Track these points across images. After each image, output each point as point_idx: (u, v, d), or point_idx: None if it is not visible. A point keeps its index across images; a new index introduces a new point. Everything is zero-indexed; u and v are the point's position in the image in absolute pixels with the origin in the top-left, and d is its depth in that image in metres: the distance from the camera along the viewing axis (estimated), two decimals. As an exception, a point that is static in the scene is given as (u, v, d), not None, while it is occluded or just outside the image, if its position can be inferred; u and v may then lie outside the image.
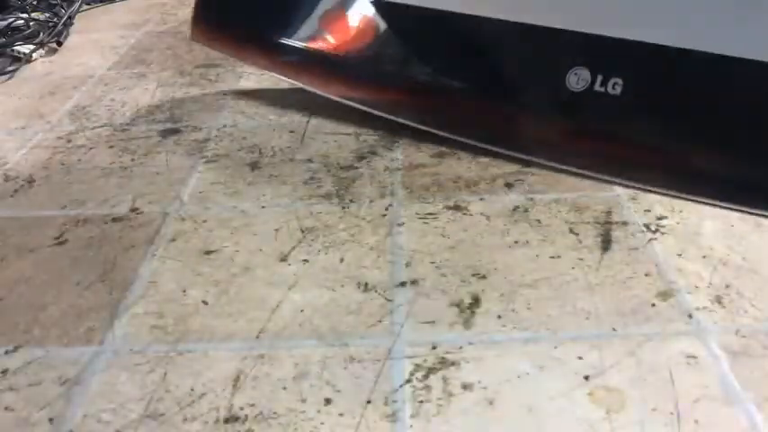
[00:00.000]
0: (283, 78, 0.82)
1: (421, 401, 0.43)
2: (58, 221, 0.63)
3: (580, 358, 0.46)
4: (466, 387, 0.44)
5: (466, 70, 0.73)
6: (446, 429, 0.42)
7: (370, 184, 0.68)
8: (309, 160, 0.73)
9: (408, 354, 0.47)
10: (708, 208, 0.62)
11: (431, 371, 0.46)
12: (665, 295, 0.52)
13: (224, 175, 0.70)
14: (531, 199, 0.64)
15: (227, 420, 0.43)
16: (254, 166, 0.72)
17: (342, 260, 0.57)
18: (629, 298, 0.52)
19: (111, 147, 0.77)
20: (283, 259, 0.57)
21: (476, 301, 0.52)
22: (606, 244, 0.58)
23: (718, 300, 0.51)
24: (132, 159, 0.74)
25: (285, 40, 0.81)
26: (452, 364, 0.46)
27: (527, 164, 0.70)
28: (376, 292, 0.53)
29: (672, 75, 0.64)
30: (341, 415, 0.43)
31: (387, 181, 0.68)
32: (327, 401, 0.44)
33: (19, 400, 0.44)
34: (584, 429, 0.41)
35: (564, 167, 0.68)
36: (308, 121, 0.81)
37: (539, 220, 0.61)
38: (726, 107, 0.63)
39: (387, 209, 0.64)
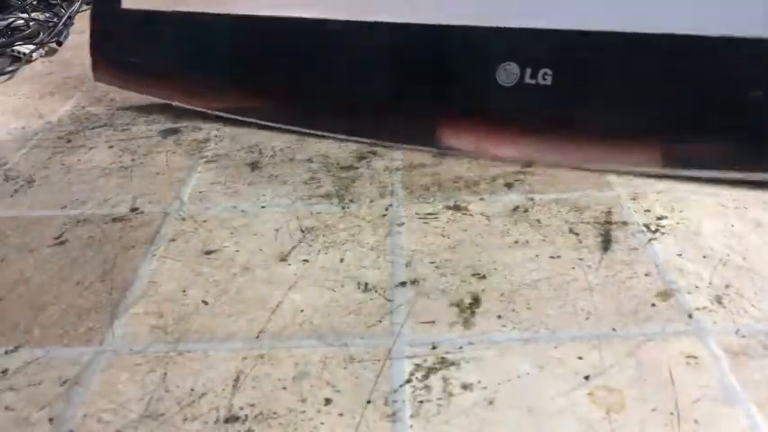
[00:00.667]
0: (197, 109, 0.84)
1: (421, 401, 0.43)
2: (58, 221, 0.63)
3: (580, 358, 0.46)
4: (466, 387, 0.44)
5: (400, 79, 0.74)
6: (446, 429, 0.42)
7: (370, 184, 0.68)
8: (309, 160, 0.73)
9: (408, 354, 0.47)
10: (708, 207, 0.62)
11: (431, 371, 0.46)
12: (665, 295, 0.52)
13: (224, 175, 0.70)
14: (531, 199, 0.64)
15: (227, 420, 0.43)
16: (254, 166, 0.72)
17: (342, 260, 0.57)
18: (629, 298, 0.52)
19: (110, 147, 0.77)
20: (283, 259, 0.57)
21: (476, 301, 0.52)
22: (606, 244, 0.58)
23: (719, 300, 0.51)
24: (132, 159, 0.74)
25: (188, 71, 0.83)
26: (452, 364, 0.46)
27: (527, 164, 0.70)
28: (376, 292, 0.53)
29: (598, 58, 0.66)
30: (341, 415, 0.43)
31: (387, 181, 0.68)
32: (327, 401, 0.44)
33: (19, 400, 0.44)
34: (584, 429, 0.41)
35: (508, 159, 0.70)
36: (308, 121, 0.81)
37: (539, 220, 0.61)
38: (655, 81, 0.66)
39: (387, 209, 0.64)
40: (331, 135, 0.77)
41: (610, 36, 0.64)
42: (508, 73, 0.68)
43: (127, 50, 0.85)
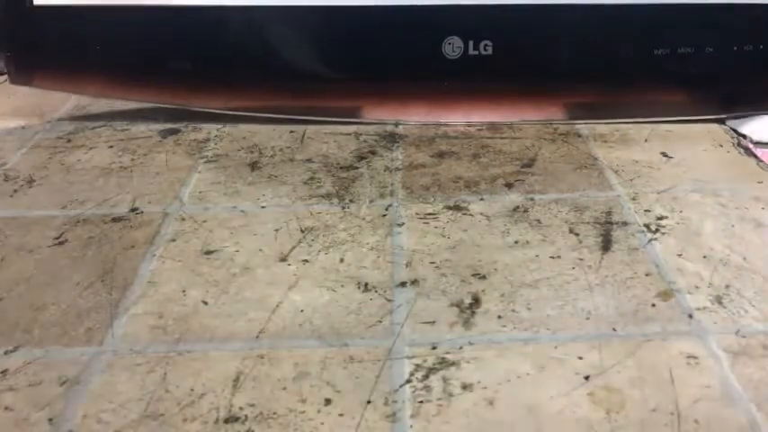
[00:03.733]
0: (133, 100, 0.84)
1: (421, 401, 0.43)
2: (57, 221, 0.63)
3: (580, 358, 0.46)
4: (466, 387, 0.44)
5: (358, 61, 0.80)
6: (446, 429, 0.42)
7: (370, 184, 0.68)
8: (309, 160, 0.73)
9: (408, 354, 0.47)
10: (709, 207, 0.62)
11: (431, 371, 0.46)
12: (665, 295, 0.52)
13: (224, 175, 0.70)
14: (532, 199, 0.64)
15: (227, 420, 0.43)
16: (253, 166, 0.72)
17: (342, 260, 0.57)
18: (630, 298, 0.52)
19: (111, 147, 0.77)
20: (283, 259, 0.57)
21: (476, 301, 0.52)
22: (606, 244, 0.58)
23: (719, 300, 0.51)
24: (132, 159, 0.74)
25: (112, 64, 0.82)
26: (452, 364, 0.46)
27: (527, 164, 0.70)
28: (376, 292, 0.53)
29: (530, 27, 0.76)
30: (341, 415, 0.43)
31: (387, 181, 0.68)
32: (327, 401, 0.44)
33: (18, 400, 0.44)
34: (584, 429, 0.41)
35: (471, 121, 0.79)
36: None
37: (539, 221, 0.61)
38: (581, 44, 0.78)
39: (387, 209, 0.64)
40: (279, 116, 0.81)
41: (540, 8, 0.74)
42: (453, 47, 0.76)
43: (43, 49, 0.83)
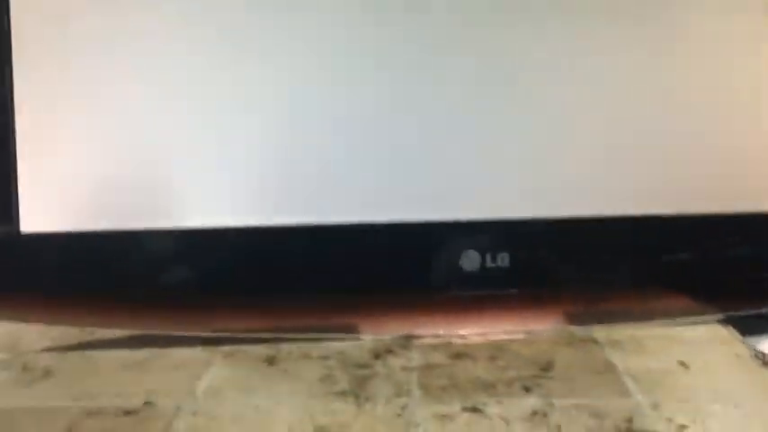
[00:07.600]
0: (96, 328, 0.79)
1: None
2: (69, 413, 0.62)
3: None
4: None
5: (374, 276, 0.80)
6: None
7: (387, 382, 0.67)
8: (326, 357, 0.73)
9: None
10: (731, 417, 0.61)
11: None
12: None
13: (240, 370, 0.70)
14: (551, 403, 0.63)
15: None
16: (270, 361, 0.72)
17: (356, 461, 0.55)
18: None
19: (129, 339, 0.78)
20: (296, 459, 0.56)
21: None
22: (629, 453, 0.56)
23: None
24: (150, 352, 0.75)
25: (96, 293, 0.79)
26: None
27: (545, 368, 0.70)
28: (391, 496, 0.51)
29: (545, 239, 0.80)
30: None
31: (403, 380, 0.68)
32: None
33: None
34: None
35: (484, 333, 0.78)
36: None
37: (559, 426, 0.60)
38: (595, 254, 0.81)
39: (403, 409, 0.63)
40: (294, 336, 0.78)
41: (554, 221, 0.78)
42: (471, 260, 0.78)
43: (30, 278, 0.77)
